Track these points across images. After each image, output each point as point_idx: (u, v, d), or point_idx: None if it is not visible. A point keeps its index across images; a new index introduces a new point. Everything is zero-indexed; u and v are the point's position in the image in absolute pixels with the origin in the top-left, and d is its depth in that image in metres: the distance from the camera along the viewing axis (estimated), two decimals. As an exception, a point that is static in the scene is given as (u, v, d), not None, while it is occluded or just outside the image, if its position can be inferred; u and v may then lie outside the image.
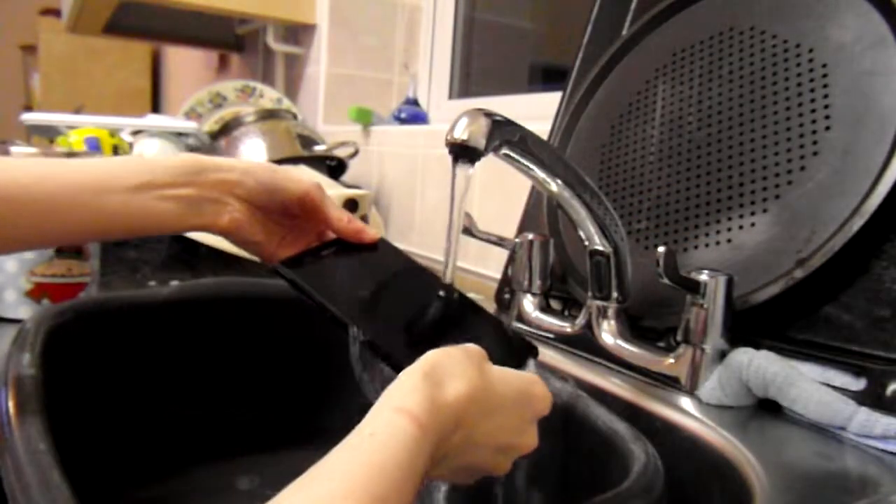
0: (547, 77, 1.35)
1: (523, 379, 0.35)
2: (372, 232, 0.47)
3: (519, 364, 0.40)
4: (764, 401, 0.46)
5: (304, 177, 0.46)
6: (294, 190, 0.45)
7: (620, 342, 0.53)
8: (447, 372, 0.31)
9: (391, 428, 0.27)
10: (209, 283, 0.64)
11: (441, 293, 0.42)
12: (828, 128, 0.48)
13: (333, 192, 0.73)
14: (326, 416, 0.65)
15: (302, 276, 0.41)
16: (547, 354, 0.57)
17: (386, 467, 0.25)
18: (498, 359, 0.35)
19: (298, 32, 1.53)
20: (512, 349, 0.42)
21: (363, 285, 0.43)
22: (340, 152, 1.15)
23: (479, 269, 0.93)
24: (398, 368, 0.32)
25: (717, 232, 0.52)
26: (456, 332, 0.42)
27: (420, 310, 0.42)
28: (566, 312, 0.64)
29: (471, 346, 0.35)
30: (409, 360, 0.32)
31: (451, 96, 1.39)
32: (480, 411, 0.31)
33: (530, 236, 0.62)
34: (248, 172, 0.44)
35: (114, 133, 1.21)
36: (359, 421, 0.28)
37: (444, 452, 0.30)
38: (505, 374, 0.34)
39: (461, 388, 0.31)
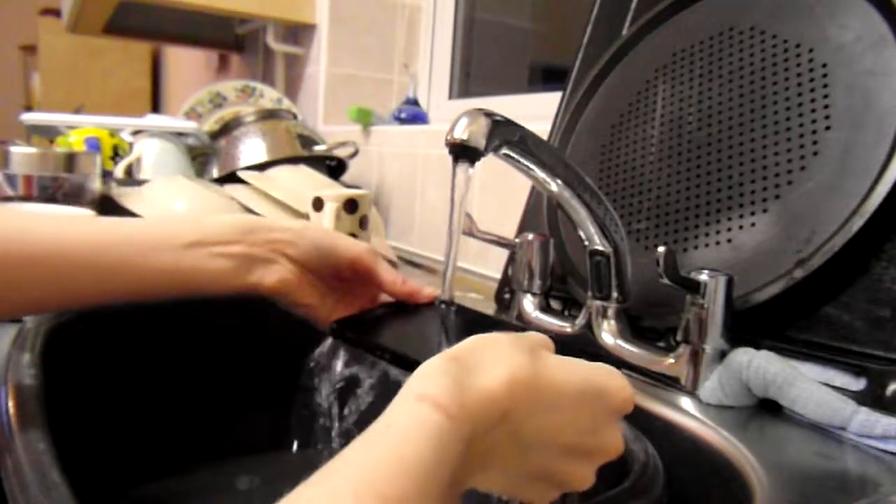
0: (547, 77, 1.35)
1: (594, 370, 0.30)
2: (427, 291, 0.45)
3: None
4: (764, 401, 0.46)
5: (359, 242, 0.46)
6: (345, 254, 0.45)
7: (620, 342, 0.53)
8: (485, 357, 0.27)
9: (412, 418, 0.23)
10: (209, 283, 0.63)
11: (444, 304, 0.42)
12: (828, 128, 0.48)
13: (333, 192, 0.74)
14: (326, 418, 0.65)
15: (356, 332, 0.40)
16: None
17: (405, 462, 0.21)
18: None
19: (298, 32, 1.53)
20: None
21: (419, 333, 0.42)
22: (340, 152, 1.15)
23: (479, 269, 0.93)
24: None
25: (717, 232, 0.52)
26: None
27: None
28: (566, 312, 0.64)
29: (530, 333, 0.30)
30: None
31: (451, 96, 1.39)
32: (533, 402, 0.27)
33: (530, 236, 0.62)
34: (300, 234, 0.44)
35: (114, 133, 1.21)
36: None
37: (486, 449, 0.26)
38: (570, 363, 0.29)
39: (501, 373, 0.26)
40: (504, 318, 0.44)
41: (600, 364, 0.30)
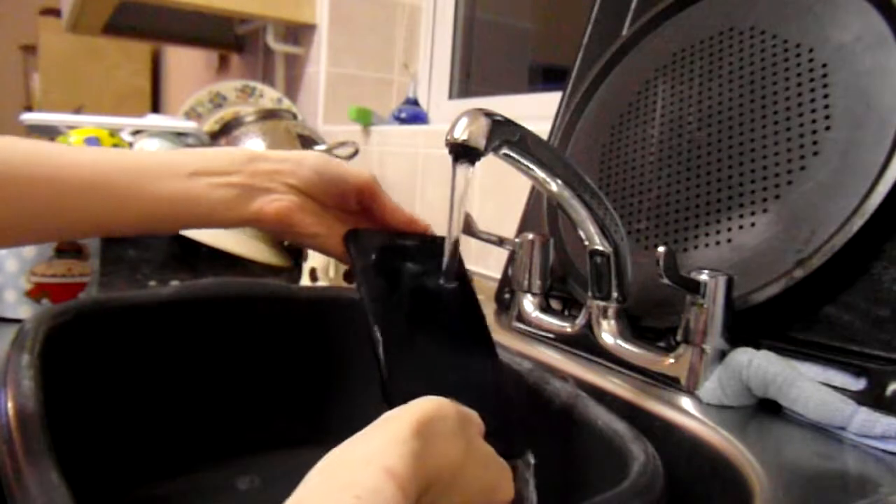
0: (547, 77, 1.35)
1: (499, 467, 0.32)
2: (421, 222, 0.46)
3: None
4: (764, 401, 0.46)
5: (363, 170, 0.45)
6: (353, 180, 0.44)
7: (620, 342, 0.53)
8: (437, 433, 0.28)
9: (378, 496, 0.24)
10: (209, 283, 0.63)
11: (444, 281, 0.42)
12: (828, 128, 0.48)
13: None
14: (327, 416, 0.65)
15: (365, 262, 0.41)
16: (547, 354, 0.57)
17: None
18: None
19: (298, 32, 1.53)
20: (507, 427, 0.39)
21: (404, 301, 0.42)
22: (340, 152, 1.15)
23: (479, 269, 0.93)
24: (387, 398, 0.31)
25: (717, 232, 0.52)
26: (462, 372, 0.40)
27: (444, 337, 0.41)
28: (566, 312, 0.64)
29: (471, 413, 0.32)
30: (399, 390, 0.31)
31: (451, 96, 1.39)
32: (451, 482, 0.29)
33: (530, 236, 0.62)
34: (301, 162, 0.43)
35: (114, 133, 1.21)
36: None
37: None
38: (486, 453, 0.32)
39: (447, 452, 0.28)
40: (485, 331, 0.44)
41: (503, 462, 0.33)
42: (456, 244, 0.42)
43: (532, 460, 0.39)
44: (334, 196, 0.44)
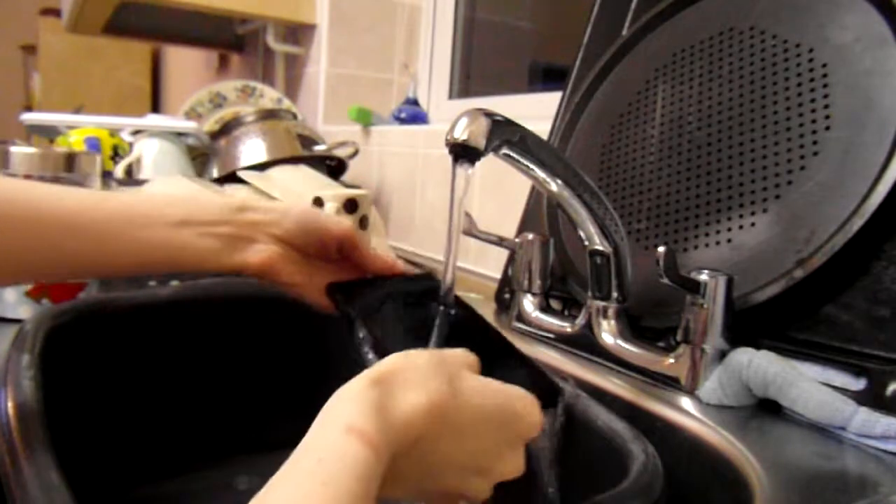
0: (547, 77, 1.35)
1: (507, 395, 0.31)
2: (400, 264, 0.47)
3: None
4: (764, 401, 0.46)
5: (344, 219, 0.47)
6: (335, 231, 0.45)
7: (620, 342, 0.53)
8: (405, 380, 0.28)
9: (342, 453, 0.24)
10: (209, 283, 0.63)
11: (443, 307, 0.42)
12: (828, 128, 0.48)
13: (333, 192, 0.74)
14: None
15: (345, 298, 0.42)
16: (547, 354, 0.57)
17: (337, 499, 0.22)
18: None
19: (298, 32, 1.53)
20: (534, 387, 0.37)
21: (403, 317, 0.43)
22: (340, 152, 1.15)
23: (479, 269, 0.93)
24: None
25: (717, 232, 0.52)
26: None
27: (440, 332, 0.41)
28: (566, 312, 0.64)
29: (454, 351, 0.32)
30: None
31: (451, 96, 1.39)
32: (444, 429, 0.28)
33: (530, 236, 0.62)
34: (285, 213, 0.44)
35: (114, 133, 1.21)
36: None
37: (397, 472, 0.26)
38: (484, 388, 0.30)
39: (418, 400, 0.27)
40: (491, 325, 0.44)
41: (515, 389, 0.32)
42: (457, 244, 0.42)
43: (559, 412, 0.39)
44: (315, 246, 0.45)
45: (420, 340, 0.40)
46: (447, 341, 0.39)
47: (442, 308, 0.42)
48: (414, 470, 0.28)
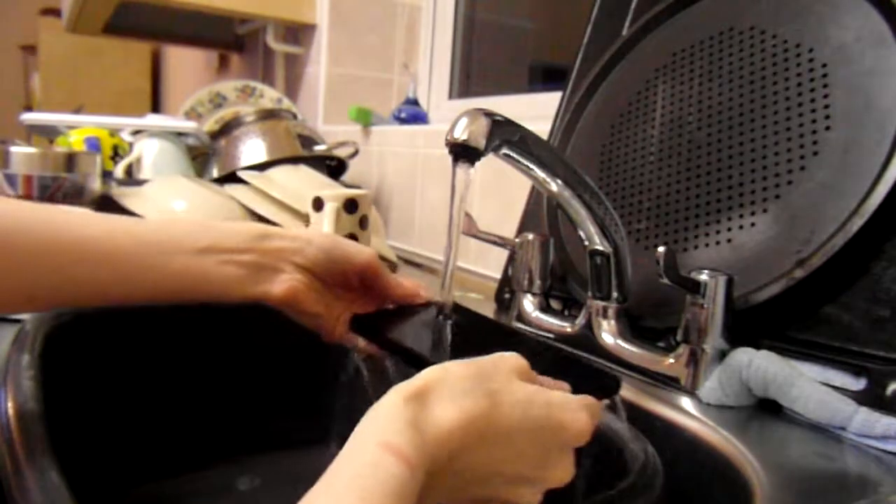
0: (547, 77, 1.35)
1: (553, 405, 0.30)
2: (423, 293, 0.46)
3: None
4: (764, 401, 0.46)
5: (365, 248, 0.46)
6: (356, 261, 0.44)
7: (620, 342, 0.53)
8: (439, 395, 0.27)
9: (377, 470, 0.24)
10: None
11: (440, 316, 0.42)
12: (828, 128, 0.48)
13: (333, 192, 0.73)
14: (326, 418, 0.65)
15: (375, 328, 0.41)
16: (547, 354, 0.57)
17: None
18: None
19: (298, 32, 1.53)
20: (590, 382, 0.36)
21: (434, 336, 0.42)
22: (340, 152, 1.15)
23: (479, 269, 0.93)
24: None
25: (717, 232, 0.52)
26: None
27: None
28: (566, 312, 0.64)
29: (501, 356, 0.31)
30: None
31: (451, 96, 1.39)
32: (481, 440, 0.28)
33: (530, 236, 0.62)
34: (309, 241, 0.43)
35: (114, 133, 1.21)
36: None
37: (433, 487, 0.26)
38: (529, 398, 0.29)
39: (454, 415, 0.27)
40: (502, 324, 0.44)
41: (563, 397, 0.31)
42: (457, 244, 0.42)
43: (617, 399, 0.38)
44: (337, 275, 0.44)
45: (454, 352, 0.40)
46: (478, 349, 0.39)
47: (440, 317, 0.42)
48: (448, 483, 0.28)
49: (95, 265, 0.37)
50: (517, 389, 0.29)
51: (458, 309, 0.43)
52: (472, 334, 0.42)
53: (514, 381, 0.30)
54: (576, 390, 0.33)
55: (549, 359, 0.39)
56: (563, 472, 0.30)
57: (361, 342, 0.44)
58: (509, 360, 0.31)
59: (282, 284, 0.42)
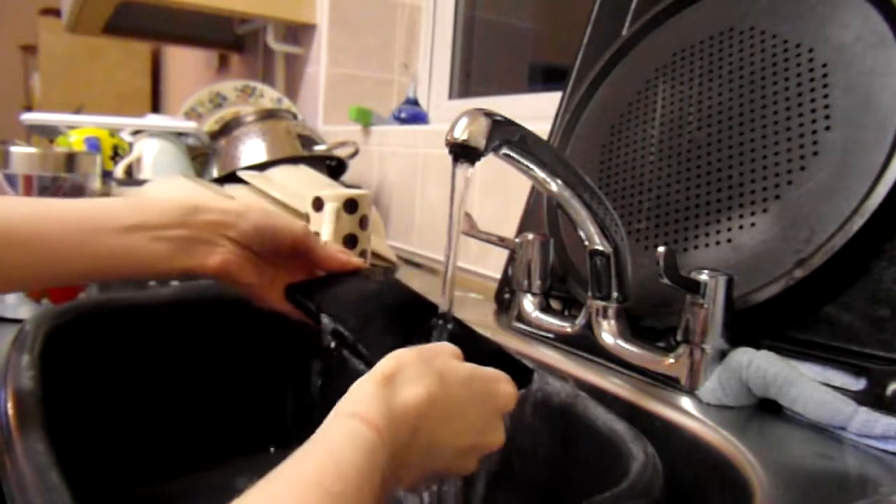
0: (547, 77, 1.35)
1: (485, 378, 0.35)
2: (355, 259, 0.49)
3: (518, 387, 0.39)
4: (764, 401, 0.46)
5: (296, 220, 0.48)
6: (288, 234, 0.46)
7: (620, 342, 0.53)
8: (405, 377, 0.31)
9: (347, 432, 0.27)
10: (209, 283, 0.63)
11: (439, 319, 0.42)
12: (828, 128, 0.48)
13: (333, 192, 0.73)
14: (326, 417, 0.65)
15: (312, 299, 0.43)
16: (547, 354, 0.57)
17: (341, 466, 0.25)
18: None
19: (298, 32, 1.53)
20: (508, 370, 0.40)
21: (366, 307, 0.44)
22: (340, 152, 1.15)
23: (479, 269, 0.93)
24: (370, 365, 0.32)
25: (717, 232, 0.52)
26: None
27: (416, 328, 0.43)
28: (566, 312, 0.64)
29: (439, 344, 0.35)
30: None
31: (451, 96, 1.39)
32: (439, 416, 0.31)
33: (530, 236, 0.62)
34: (241, 215, 0.45)
35: (114, 133, 1.21)
36: None
37: (402, 462, 0.29)
38: (467, 374, 0.34)
39: (418, 393, 0.30)
40: (429, 301, 0.46)
41: (492, 371, 0.36)
42: (457, 244, 0.42)
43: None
44: (269, 247, 0.46)
45: (393, 334, 0.41)
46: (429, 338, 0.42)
47: (440, 322, 0.42)
48: (416, 458, 0.30)
49: (17, 250, 0.38)
50: (459, 368, 0.34)
51: (390, 281, 0.46)
52: (401, 310, 0.45)
53: (454, 361, 0.34)
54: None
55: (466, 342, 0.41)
56: (498, 436, 0.35)
57: (294, 311, 0.47)
58: (446, 347, 0.35)
59: (217, 257, 0.43)
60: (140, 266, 0.42)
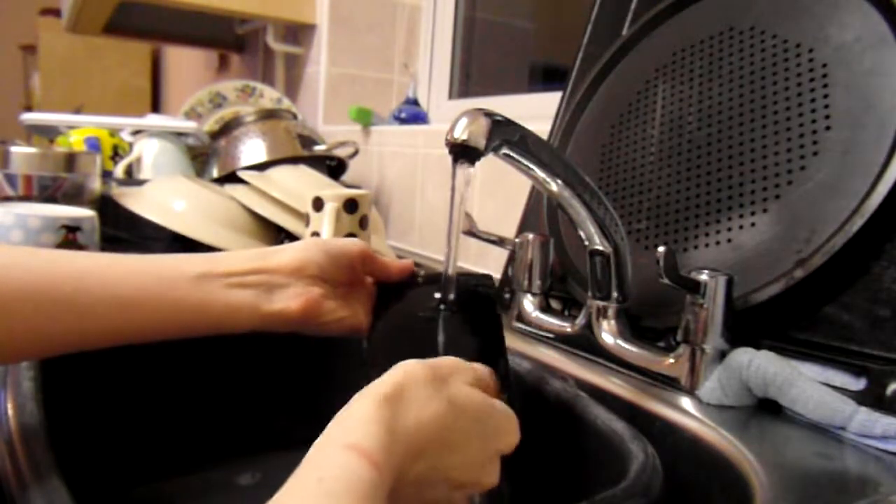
0: (547, 77, 1.35)
1: (497, 414, 0.32)
2: (408, 264, 0.47)
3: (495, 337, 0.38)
4: (764, 401, 0.46)
5: (353, 239, 0.46)
6: (354, 251, 0.43)
7: (620, 342, 0.53)
8: (412, 396, 0.28)
9: (344, 473, 0.23)
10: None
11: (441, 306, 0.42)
12: (828, 128, 0.48)
13: (333, 191, 0.73)
14: (327, 417, 0.65)
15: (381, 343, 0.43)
16: (547, 354, 0.57)
17: None
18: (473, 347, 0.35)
19: (298, 32, 1.53)
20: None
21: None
22: (340, 152, 1.15)
23: (480, 269, 0.93)
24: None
25: (717, 232, 0.52)
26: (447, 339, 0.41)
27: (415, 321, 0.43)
28: (566, 312, 0.64)
29: (455, 362, 0.32)
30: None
31: (451, 96, 1.39)
32: (442, 447, 0.28)
33: (530, 236, 0.62)
34: (309, 248, 0.42)
35: (114, 133, 1.21)
36: None
37: (398, 489, 0.26)
38: (479, 405, 0.31)
39: (426, 420, 0.27)
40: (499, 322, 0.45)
41: (498, 403, 0.32)
42: (457, 244, 0.42)
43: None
44: (345, 272, 0.43)
45: (413, 343, 0.41)
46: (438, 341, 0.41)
47: (442, 307, 0.42)
48: (412, 487, 0.28)
49: (97, 303, 0.35)
50: (473, 396, 0.31)
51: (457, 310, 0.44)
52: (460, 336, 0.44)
53: (467, 387, 0.31)
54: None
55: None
56: (493, 477, 0.32)
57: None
58: (452, 365, 0.32)
59: (299, 297, 0.40)
60: (221, 316, 0.38)
